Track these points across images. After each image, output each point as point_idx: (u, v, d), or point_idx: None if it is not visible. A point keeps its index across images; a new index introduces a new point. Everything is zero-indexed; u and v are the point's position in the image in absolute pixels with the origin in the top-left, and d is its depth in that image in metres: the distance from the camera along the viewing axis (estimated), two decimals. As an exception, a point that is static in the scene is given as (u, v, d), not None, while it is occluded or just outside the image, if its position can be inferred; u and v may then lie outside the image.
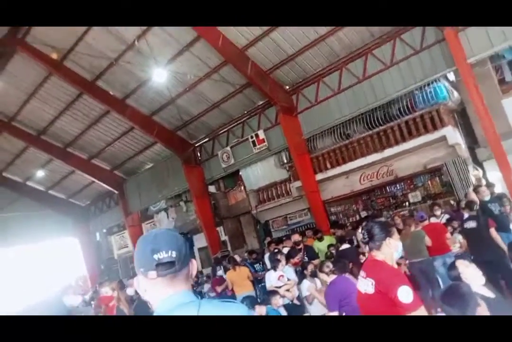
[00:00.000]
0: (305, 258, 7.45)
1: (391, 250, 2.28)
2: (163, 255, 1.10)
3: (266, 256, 9.41)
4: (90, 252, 19.67)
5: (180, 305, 1.11)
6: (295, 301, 5.67)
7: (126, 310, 4.22)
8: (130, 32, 10.24)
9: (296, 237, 8.78)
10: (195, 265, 1.22)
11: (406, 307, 2.06)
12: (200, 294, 10.29)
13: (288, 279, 5.82)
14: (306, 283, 5.61)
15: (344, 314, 3.73)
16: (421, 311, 2.07)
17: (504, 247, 4.81)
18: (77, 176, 17.35)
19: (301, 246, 8.13)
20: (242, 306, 1.22)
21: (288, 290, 5.69)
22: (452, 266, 2.90)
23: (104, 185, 16.70)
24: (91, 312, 6.47)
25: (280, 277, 5.81)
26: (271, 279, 5.89)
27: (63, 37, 10.77)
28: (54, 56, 11.23)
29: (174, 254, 1.11)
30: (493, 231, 5.22)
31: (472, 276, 2.65)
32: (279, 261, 5.99)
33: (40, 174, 16.88)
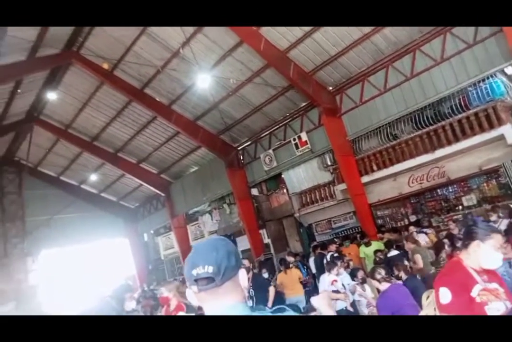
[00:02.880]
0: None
1: (476, 254, 2.19)
2: (200, 271, 1.10)
3: (311, 259, 9.29)
4: (138, 252, 20.49)
5: None
6: (349, 308, 5.48)
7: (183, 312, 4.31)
8: (175, 39, 10.58)
9: (332, 248, 8.60)
10: (244, 275, 1.18)
11: (441, 307, 2.10)
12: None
13: (343, 286, 5.62)
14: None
15: None
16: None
17: None
18: (127, 179, 18.20)
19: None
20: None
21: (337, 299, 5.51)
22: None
23: (152, 188, 17.35)
24: (141, 312, 6.68)
25: (334, 282, 5.63)
26: (325, 283, 5.74)
27: (113, 48, 11.37)
28: (105, 66, 11.87)
29: (210, 269, 1.09)
30: None
31: None
32: (335, 264, 5.81)
33: (93, 177, 17.83)
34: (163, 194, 17.43)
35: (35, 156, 17.34)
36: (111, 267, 19.97)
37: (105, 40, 11.14)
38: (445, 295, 2.08)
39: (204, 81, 10.34)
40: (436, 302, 2.21)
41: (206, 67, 10.79)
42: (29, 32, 9.70)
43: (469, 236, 2.27)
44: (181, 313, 4.38)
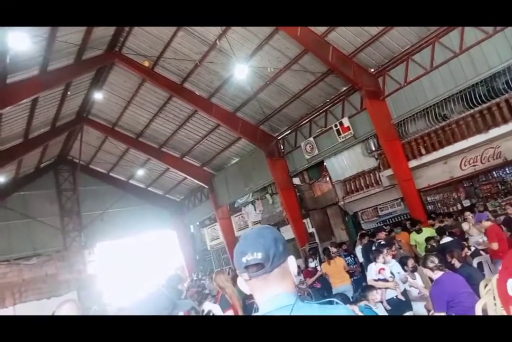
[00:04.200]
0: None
1: None
2: (250, 257, 1.11)
3: (358, 248, 9.10)
4: (186, 243, 21.18)
5: (276, 309, 1.10)
6: (400, 296, 5.31)
7: (231, 300, 4.40)
8: (211, 32, 10.65)
9: (381, 235, 8.34)
10: (294, 262, 1.19)
11: (511, 300, 1.88)
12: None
13: (392, 274, 5.47)
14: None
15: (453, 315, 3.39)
16: None
17: None
18: (172, 173, 18.78)
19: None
20: (343, 309, 1.14)
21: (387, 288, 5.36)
22: None
23: (195, 181, 17.80)
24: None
25: (381, 270, 5.48)
26: (372, 272, 5.60)
27: (152, 46, 11.67)
28: (146, 64, 12.22)
29: (259, 256, 1.10)
30: None
31: None
32: (379, 252, 5.65)
33: (140, 172, 18.58)
34: (206, 186, 17.81)
35: (87, 155, 18.33)
36: (160, 258, 20.82)
37: (144, 38, 11.45)
38: None
39: (241, 72, 10.32)
40: (502, 295, 2.06)
41: (243, 57, 10.78)
42: (75, 36, 10.19)
43: None
44: (207, 303, 4.48)
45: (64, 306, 2.83)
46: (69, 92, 13.14)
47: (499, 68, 8.47)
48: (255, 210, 16.30)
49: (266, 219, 15.87)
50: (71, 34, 9.92)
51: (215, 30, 10.41)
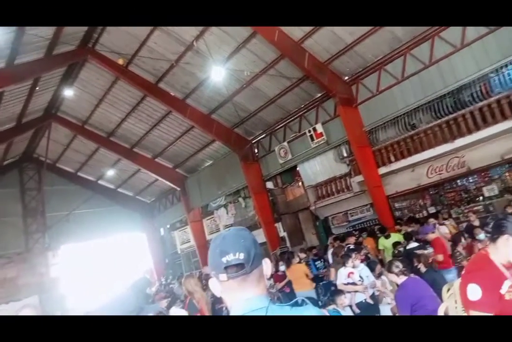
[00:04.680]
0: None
1: (506, 249, 2.11)
2: (231, 257, 1.10)
3: (329, 252, 9.21)
4: (155, 246, 20.76)
5: (249, 312, 1.10)
6: (369, 300, 5.41)
7: (199, 305, 4.34)
8: (188, 33, 10.56)
9: (351, 240, 8.52)
10: (269, 264, 1.19)
11: (469, 304, 2.02)
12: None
13: (361, 278, 5.56)
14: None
15: None
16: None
17: None
18: (143, 174, 18.39)
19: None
20: (313, 309, 1.16)
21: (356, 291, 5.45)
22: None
23: (167, 182, 17.50)
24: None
25: (350, 274, 5.57)
26: (341, 276, 5.68)
27: (127, 43, 11.43)
28: (120, 62, 11.94)
29: (241, 256, 1.10)
30: None
31: None
32: (349, 256, 5.74)
33: (110, 173, 18.04)
34: (178, 188, 17.56)
35: (54, 153, 17.64)
36: (128, 261, 20.31)
37: (119, 36, 11.20)
38: (475, 291, 2.00)
39: (218, 74, 10.30)
40: (463, 298, 2.12)
41: (220, 59, 10.75)
42: (46, 30, 9.82)
43: (498, 230, 2.19)
44: (173, 308, 4.44)
45: (23, 311, 2.69)
46: (37, 88, 12.63)
47: (465, 81, 8.88)
48: (227, 213, 16.22)
49: (238, 222, 15.80)
50: (42, 28, 9.56)
51: (192, 30, 10.33)
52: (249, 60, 11.03)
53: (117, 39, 11.36)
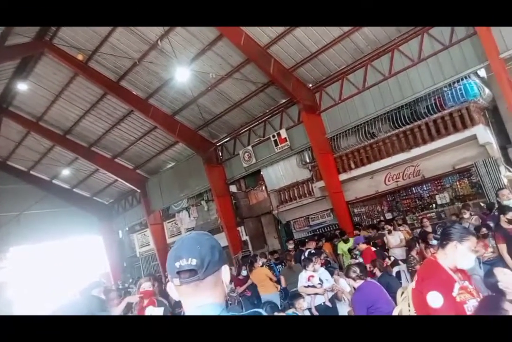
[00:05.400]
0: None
1: (454, 255, 2.22)
2: (184, 263, 1.08)
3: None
4: (113, 249, 20.04)
5: None
6: (327, 303, 5.51)
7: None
8: (153, 32, 10.31)
9: (311, 245, 8.67)
10: (227, 272, 1.17)
11: (433, 311, 2.09)
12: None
13: (321, 281, 5.66)
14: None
15: None
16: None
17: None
18: (101, 175, 17.73)
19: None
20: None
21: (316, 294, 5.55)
22: (489, 273, 2.71)
23: (127, 184, 17.00)
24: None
25: (310, 277, 5.66)
26: (302, 279, 5.77)
27: (88, 39, 10.98)
28: (80, 57, 11.46)
29: (194, 262, 1.08)
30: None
31: (510, 283, 2.48)
32: (310, 260, 5.83)
33: (65, 172, 17.30)
34: (139, 190, 17.10)
35: (5, 150, 16.70)
36: (84, 264, 19.48)
37: (79, 30, 10.73)
38: (437, 298, 2.07)
39: (182, 75, 10.14)
40: (420, 306, 2.19)
41: (184, 60, 10.59)
42: (-3, 19, 9.21)
43: (446, 237, 2.29)
44: (151, 307, 4.34)
45: None
46: (-14, 80, 11.85)
47: (422, 93, 9.31)
48: (189, 216, 15.97)
49: (200, 225, 15.60)
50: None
51: (157, 29, 10.10)
52: (215, 63, 10.94)
53: (77, 33, 10.90)
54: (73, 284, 14.90)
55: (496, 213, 6.38)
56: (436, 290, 2.09)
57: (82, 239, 20.01)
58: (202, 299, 1.10)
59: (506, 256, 4.44)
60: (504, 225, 4.58)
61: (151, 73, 11.82)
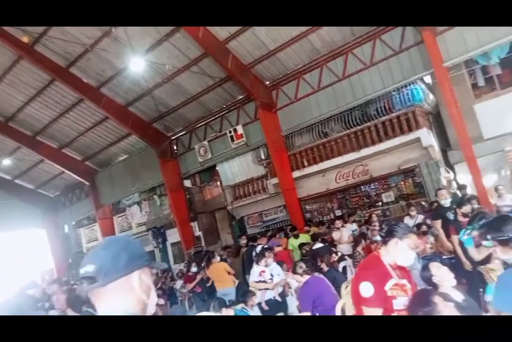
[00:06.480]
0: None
1: (395, 251, 2.35)
2: (83, 270, 1.06)
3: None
4: (58, 244, 19.06)
5: None
6: (277, 297, 5.62)
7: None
8: (107, 18, 9.83)
9: (263, 240, 8.78)
10: (135, 278, 1.08)
11: (362, 300, 2.24)
12: (171, 290, 10.15)
13: (272, 276, 5.75)
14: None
15: (317, 315, 3.71)
16: (375, 312, 2.20)
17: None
18: (46, 166, 16.74)
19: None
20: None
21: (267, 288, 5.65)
22: (425, 268, 2.92)
23: (75, 176, 16.18)
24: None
25: (262, 273, 5.74)
26: (254, 274, 5.84)
27: (35, 20, 10.24)
28: (25, 40, 10.65)
29: (91, 268, 1.04)
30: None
31: (444, 277, 2.68)
32: (263, 256, 5.89)
33: (6, 162, 16.16)
34: (87, 183, 16.34)
35: None
36: (25, 260, 18.32)
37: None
38: (368, 288, 2.21)
39: (137, 65, 9.79)
40: (355, 295, 2.32)
41: (140, 50, 10.22)
42: None
43: (389, 234, 2.43)
44: None
45: None
46: None
47: (372, 96, 9.73)
48: (141, 211, 15.54)
49: (152, 220, 15.26)
50: None
51: (111, 16, 9.65)
52: (172, 54, 10.68)
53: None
54: (12, 281, 13.99)
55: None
56: (369, 281, 2.23)
57: (24, 232, 18.82)
58: (110, 306, 1.04)
59: (457, 247, 4.69)
60: (460, 218, 4.85)
61: (104, 61, 11.29)
